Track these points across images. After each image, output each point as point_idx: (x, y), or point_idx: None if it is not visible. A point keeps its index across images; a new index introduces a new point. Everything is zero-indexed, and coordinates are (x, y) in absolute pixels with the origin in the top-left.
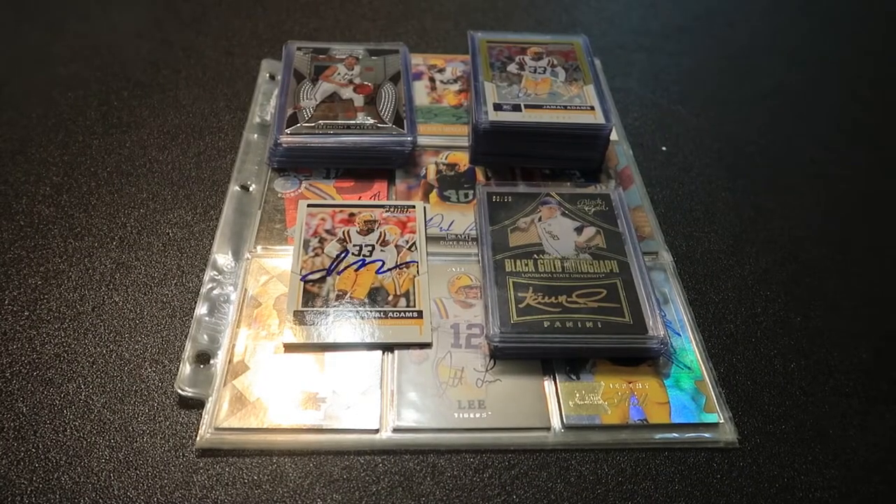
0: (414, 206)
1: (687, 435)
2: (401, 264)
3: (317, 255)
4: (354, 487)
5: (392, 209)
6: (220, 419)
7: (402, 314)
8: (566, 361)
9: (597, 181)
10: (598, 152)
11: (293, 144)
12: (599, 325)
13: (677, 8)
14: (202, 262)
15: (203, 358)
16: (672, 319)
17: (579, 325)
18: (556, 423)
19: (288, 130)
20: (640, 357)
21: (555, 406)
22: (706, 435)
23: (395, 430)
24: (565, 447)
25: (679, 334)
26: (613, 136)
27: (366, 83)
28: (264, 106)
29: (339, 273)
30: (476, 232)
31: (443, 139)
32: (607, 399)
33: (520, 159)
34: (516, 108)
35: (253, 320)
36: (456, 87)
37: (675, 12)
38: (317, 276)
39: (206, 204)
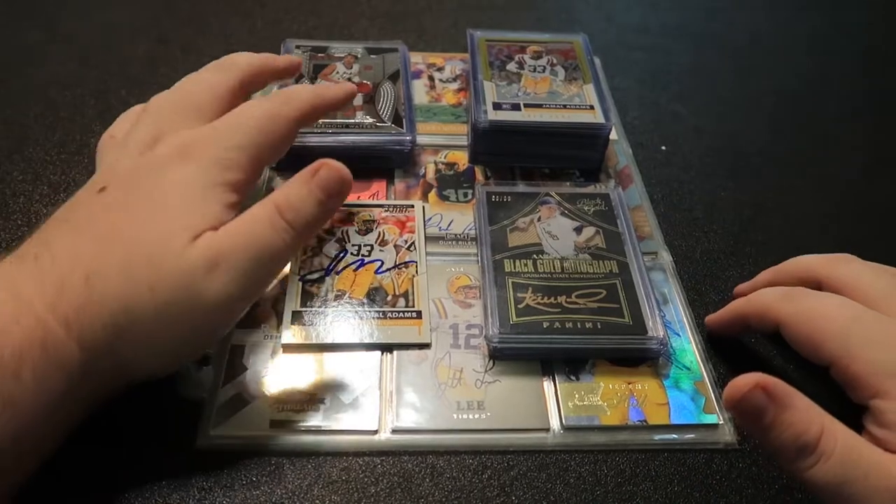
0: (413, 206)
1: (686, 436)
2: (400, 264)
3: (315, 254)
4: (353, 489)
5: (391, 209)
6: (218, 420)
7: (401, 314)
8: (565, 362)
9: (596, 181)
10: (597, 152)
11: (292, 143)
12: (599, 326)
13: (677, 7)
14: None
15: (202, 358)
16: (672, 320)
17: (579, 326)
18: (555, 424)
19: None
20: (640, 358)
21: (554, 407)
22: (706, 436)
23: (394, 431)
24: (564, 448)
25: (678, 335)
26: (613, 136)
27: (364, 82)
28: None
29: (337, 273)
30: (475, 232)
31: (442, 138)
32: (606, 400)
33: (519, 158)
34: (515, 107)
35: (251, 320)
36: (455, 85)
37: (676, 11)
38: (315, 276)
39: None
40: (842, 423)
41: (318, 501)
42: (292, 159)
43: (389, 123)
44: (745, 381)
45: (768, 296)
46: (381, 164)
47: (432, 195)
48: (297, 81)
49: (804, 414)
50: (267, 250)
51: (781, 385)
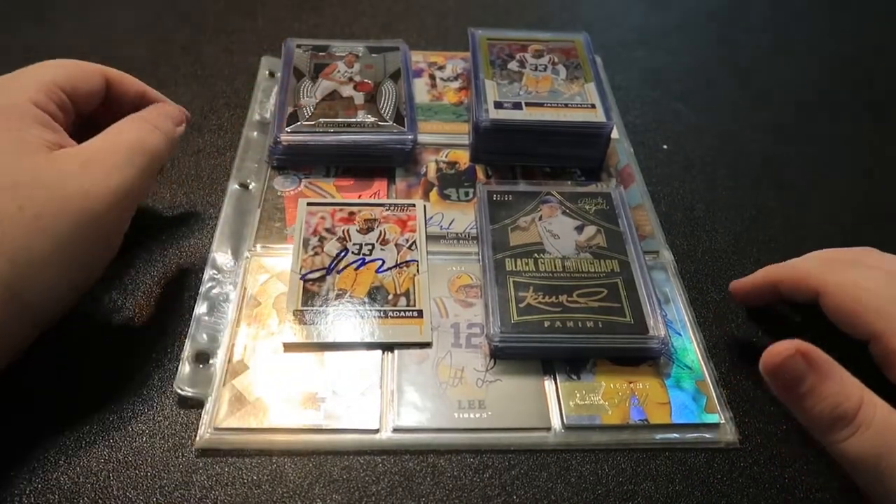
0: (414, 205)
1: (687, 435)
2: (401, 263)
3: (316, 253)
4: (354, 488)
5: (392, 207)
6: (219, 419)
7: (402, 313)
8: (566, 361)
9: (597, 180)
10: (598, 151)
11: (293, 143)
12: (600, 325)
13: (678, 5)
14: (201, 260)
15: (202, 357)
16: (673, 319)
17: (580, 325)
18: (556, 423)
19: (288, 129)
20: (641, 357)
21: (555, 406)
22: (707, 435)
23: (395, 430)
24: (566, 447)
25: (680, 334)
26: (614, 135)
27: (366, 81)
28: (264, 103)
29: (338, 272)
30: (476, 231)
31: (443, 137)
32: (608, 399)
33: (520, 157)
34: (517, 105)
35: (252, 319)
36: (456, 84)
37: (677, 10)
38: (316, 274)
39: (205, 202)
40: (879, 397)
41: (318, 500)
42: (293, 158)
43: (391, 122)
44: (785, 347)
45: (809, 262)
46: (383, 162)
47: (433, 194)
48: (298, 81)
49: (843, 385)
50: (137, 143)
51: (821, 354)
